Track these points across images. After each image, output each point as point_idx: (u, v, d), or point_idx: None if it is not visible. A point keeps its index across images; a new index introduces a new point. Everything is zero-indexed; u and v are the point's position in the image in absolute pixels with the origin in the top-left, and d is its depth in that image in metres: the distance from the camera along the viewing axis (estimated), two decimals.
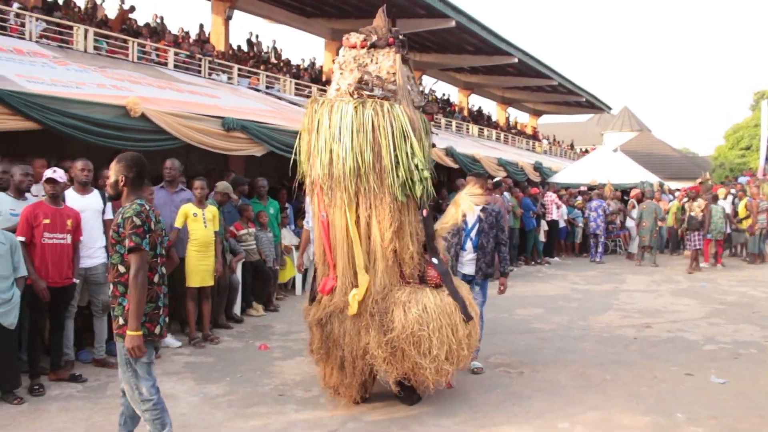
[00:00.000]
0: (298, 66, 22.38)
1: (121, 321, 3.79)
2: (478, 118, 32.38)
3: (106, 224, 6.16)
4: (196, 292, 7.32)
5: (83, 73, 9.57)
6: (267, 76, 16.72)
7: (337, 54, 5.71)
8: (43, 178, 5.74)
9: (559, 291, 11.42)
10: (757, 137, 31.66)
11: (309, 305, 5.53)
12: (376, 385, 5.48)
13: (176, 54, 14.36)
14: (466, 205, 5.77)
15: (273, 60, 21.17)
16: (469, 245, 6.35)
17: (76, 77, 9.08)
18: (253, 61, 18.73)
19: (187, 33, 18.71)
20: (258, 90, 15.45)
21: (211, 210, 7.43)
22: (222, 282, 7.86)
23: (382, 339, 4.89)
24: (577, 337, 7.86)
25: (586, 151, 36.44)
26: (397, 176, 4.93)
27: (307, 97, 16.62)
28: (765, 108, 27.88)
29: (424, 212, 5.18)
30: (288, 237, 10.34)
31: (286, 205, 10.66)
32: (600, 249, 16.15)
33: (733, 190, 17.87)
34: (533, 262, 15.21)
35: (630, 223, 17.18)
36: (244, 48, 21.07)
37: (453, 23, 20.08)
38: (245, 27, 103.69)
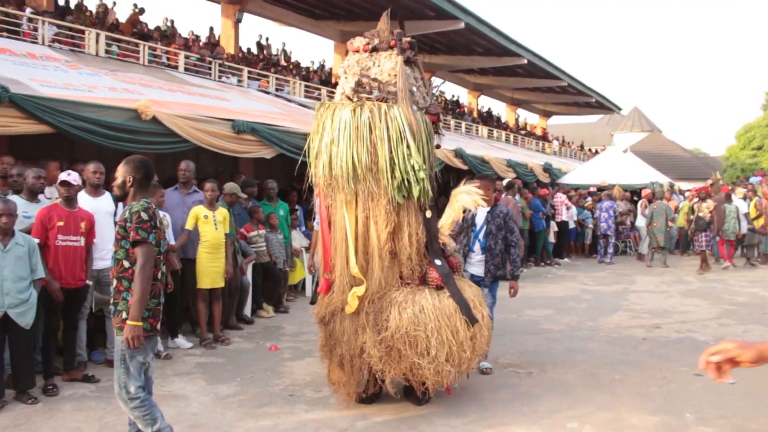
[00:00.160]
0: (308, 68, 22.46)
1: (123, 315, 3.83)
2: (488, 119, 32.39)
3: None
4: (207, 294, 7.39)
5: (95, 77, 9.68)
6: (277, 79, 16.80)
7: (346, 56, 5.78)
8: (58, 181, 5.83)
9: (569, 292, 11.42)
10: None
11: (312, 304, 5.64)
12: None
13: (187, 57, 14.46)
14: (465, 200, 5.62)
15: (282, 62, 21.27)
16: (477, 247, 6.38)
17: (88, 81, 9.18)
18: (263, 63, 18.82)
19: (197, 36, 18.83)
20: (268, 92, 15.54)
21: (222, 212, 7.49)
22: (233, 283, 7.92)
23: (376, 338, 4.94)
24: (586, 338, 7.86)
25: (596, 152, 36.33)
26: (393, 177, 4.99)
27: (317, 99, 16.70)
28: None
29: (428, 213, 5.19)
30: (298, 239, 10.40)
31: (296, 207, 10.71)
32: (610, 250, 16.12)
33: (744, 190, 17.76)
34: (543, 263, 15.20)
35: (640, 224, 17.13)
36: (254, 51, 21.17)
37: (462, 25, 20.11)
38: (255, 30, 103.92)
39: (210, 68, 14.71)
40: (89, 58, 11.51)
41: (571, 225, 16.52)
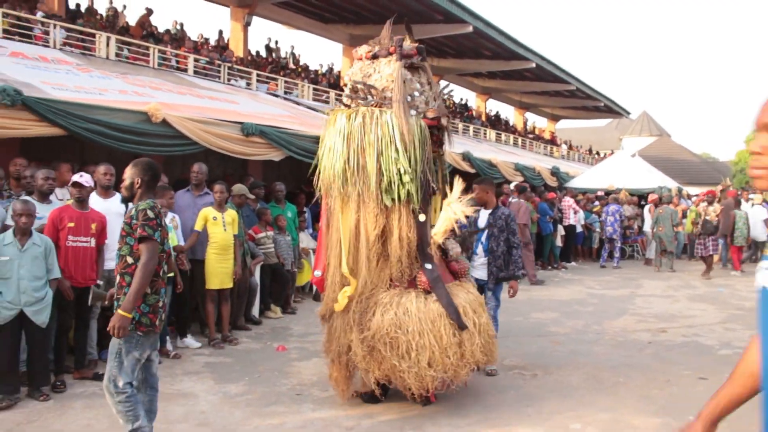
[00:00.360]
0: (316, 71, 22.58)
1: None
2: (496, 122, 32.41)
3: None
4: (216, 294, 7.47)
5: (106, 80, 9.81)
6: (285, 82, 16.90)
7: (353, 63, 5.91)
8: (70, 183, 5.93)
9: (575, 295, 11.45)
10: None
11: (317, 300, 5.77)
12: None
13: (196, 60, 14.59)
14: (455, 209, 5.47)
15: (291, 66, 21.38)
16: (480, 250, 6.45)
17: (98, 84, 9.31)
18: (272, 66, 18.94)
19: (206, 39, 18.98)
20: (276, 95, 15.65)
21: (231, 213, 7.57)
22: (241, 284, 8.00)
23: (359, 337, 5.03)
24: (591, 341, 7.90)
25: (604, 156, 36.30)
26: (382, 181, 5.10)
27: (325, 102, 16.80)
28: None
29: (421, 218, 5.23)
30: (306, 240, 10.47)
31: (304, 209, 10.79)
32: (617, 254, 16.12)
33: (760, 195, 17.62)
34: (550, 267, 15.22)
35: (648, 228, 17.11)
36: (263, 54, 21.30)
37: (470, 28, 20.19)
38: (264, 33, 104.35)
39: (219, 71, 14.83)
40: (100, 61, 11.65)
41: (579, 229, 16.54)
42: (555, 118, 41.93)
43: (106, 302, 4.66)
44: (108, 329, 3.87)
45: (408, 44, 5.50)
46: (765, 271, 1.62)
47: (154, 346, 4.20)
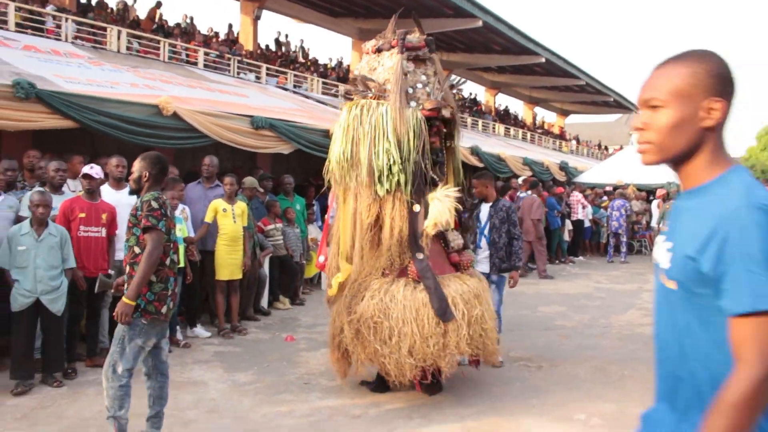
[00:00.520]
0: (326, 65, 22.64)
1: None
2: (505, 117, 32.39)
3: None
4: (225, 285, 7.56)
5: (117, 73, 9.89)
6: (295, 76, 16.98)
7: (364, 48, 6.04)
8: (80, 174, 6.03)
9: (583, 290, 11.48)
10: None
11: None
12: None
13: (206, 54, 14.67)
14: (438, 208, 5.35)
15: (301, 59, 21.44)
16: (483, 242, 6.51)
17: (110, 77, 9.40)
18: (281, 60, 19.01)
19: (216, 33, 19.05)
20: (286, 89, 15.71)
21: (240, 206, 7.65)
22: (250, 276, 8.09)
23: (347, 319, 5.17)
24: (597, 335, 7.95)
25: (614, 152, 36.20)
26: (374, 171, 5.21)
27: (334, 96, 16.85)
28: None
29: (416, 208, 5.26)
30: (315, 233, 10.54)
31: (313, 201, 10.86)
32: (623, 249, 16.12)
33: None
34: (557, 261, 15.24)
35: (655, 224, 17.10)
36: (273, 47, 21.36)
37: (480, 23, 20.18)
38: (273, 27, 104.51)
39: (229, 65, 14.91)
40: (111, 55, 11.74)
41: (587, 224, 16.55)
42: (564, 113, 41.82)
43: (113, 290, 4.76)
44: (113, 315, 4.00)
45: (416, 37, 5.56)
46: (659, 246, 1.70)
47: (161, 334, 4.27)
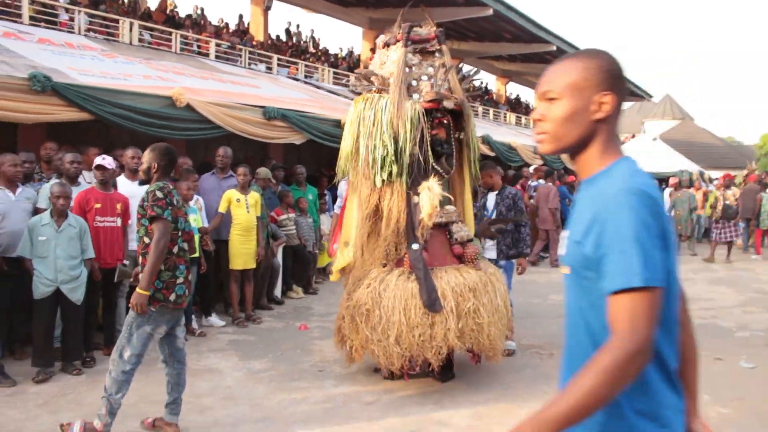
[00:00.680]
0: (336, 55, 22.63)
1: None
2: (516, 106, 32.28)
3: None
4: (239, 275, 7.65)
5: (130, 65, 9.95)
6: (306, 66, 16.99)
7: (375, 44, 6.08)
8: (93, 165, 6.12)
9: None
10: None
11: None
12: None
13: (217, 45, 14.72)
14: (424, 200, 5.35)
15: (311, 49, 21.44)
16: None
17: (123, 69, 9.45)
18: (292, 50, 19.03)
19: (227, 24, 19.09)
20: (297, 79, 15.74)
21: (254, 196, 7.72)
22: (264, 265, 8.17)
23: (344, 305, 5.31)
24: None
25: (626, 140, 35.99)
26: (372, 162, 5.30)
27: (345, 86, 16.85)
28: None
29: (415, 199, 5.32)
30: (327, 222, 10.60)
31: (325, 191, 10.93)
32: None
33: None
34: None
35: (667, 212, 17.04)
36: (283, 38, 21.38)
37: (490, 11, 20.05)
38: (284, 17, 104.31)
39: (240, 56, 14.95)
40: (123, 47, 11.80)
41: None
42: None
43: (132, 280, 4.85)
44: (129, 306, 4.12)
45: (425, 30, 5.61)
46: (563, 240, 1.77)
47: (172, 322, 4.35)
